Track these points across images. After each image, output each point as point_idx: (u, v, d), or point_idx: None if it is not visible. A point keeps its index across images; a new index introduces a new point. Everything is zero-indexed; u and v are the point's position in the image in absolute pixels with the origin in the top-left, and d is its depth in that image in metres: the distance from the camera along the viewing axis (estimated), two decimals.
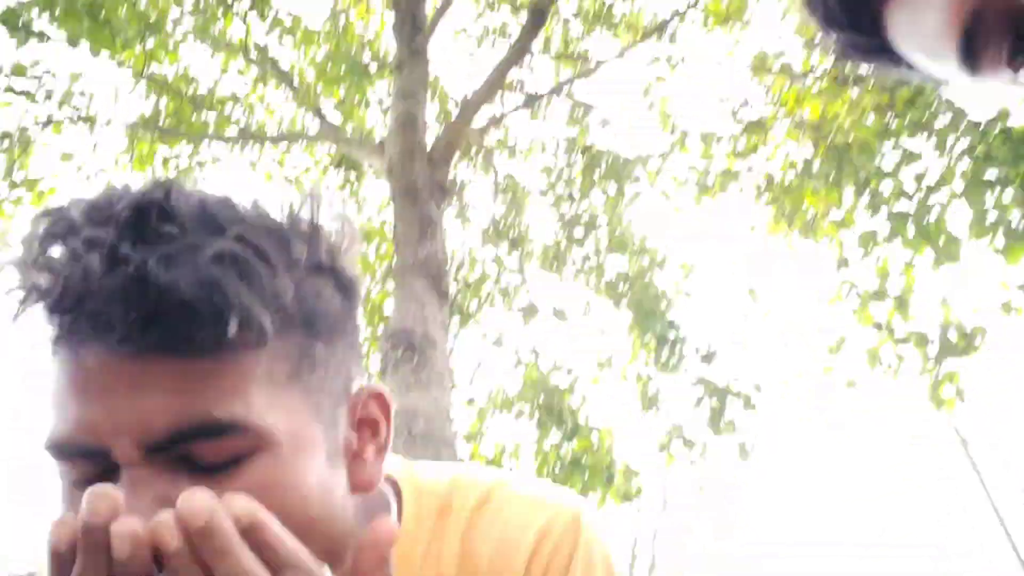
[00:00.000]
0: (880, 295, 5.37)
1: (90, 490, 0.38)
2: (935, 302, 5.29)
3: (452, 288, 6.09)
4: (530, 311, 6.96)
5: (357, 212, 6.98)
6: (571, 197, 6.96)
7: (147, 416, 0.44)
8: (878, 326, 5.42)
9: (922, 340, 5.31)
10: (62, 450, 0.46)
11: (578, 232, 6.95)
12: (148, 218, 0.44)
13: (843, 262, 5.65)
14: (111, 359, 0.44)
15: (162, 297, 0.42)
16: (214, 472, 0.45)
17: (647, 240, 6.82)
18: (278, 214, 0.51)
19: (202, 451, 0.45)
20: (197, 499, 0.37)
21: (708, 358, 6.47)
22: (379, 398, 0.58)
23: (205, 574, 0.38)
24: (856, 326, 5.56)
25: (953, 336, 5.19)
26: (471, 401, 6.79)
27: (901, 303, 5.35)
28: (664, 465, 6.63)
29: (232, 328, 0.43)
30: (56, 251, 0.45)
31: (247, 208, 0.49)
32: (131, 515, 0.39)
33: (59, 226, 0.46)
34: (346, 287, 0.55)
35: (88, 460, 0.46)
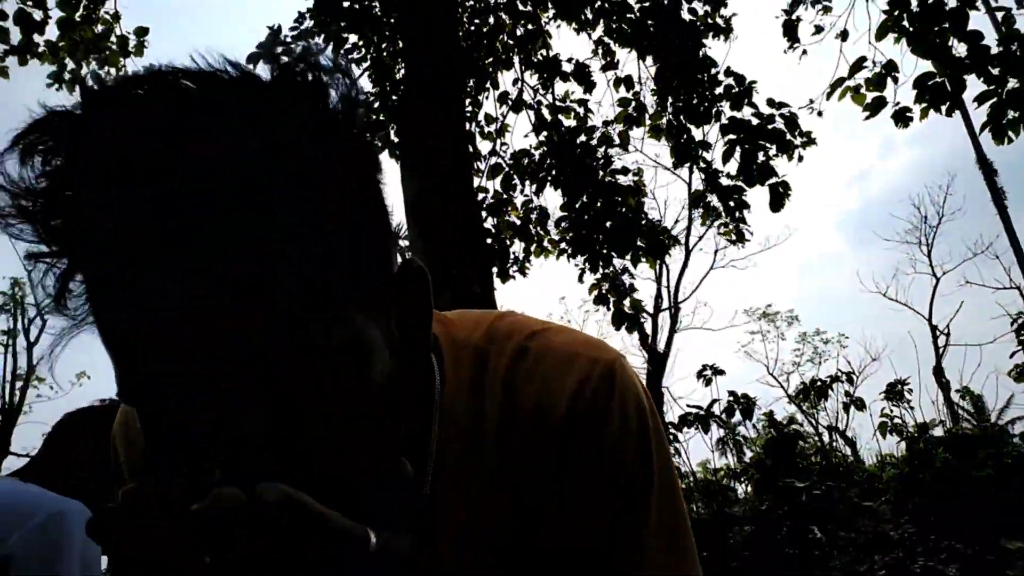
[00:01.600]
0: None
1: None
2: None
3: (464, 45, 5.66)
4: (550, 67, 6.52)
5: None
6: None
7: (221, 388, 0.44)
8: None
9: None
10: (136, 403, 0.47)
11: None
12: (196, 199, 0.41)
13: None
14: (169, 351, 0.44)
15: (220, 311, 0.42)
16: (299, 415, 0.47)
17: None
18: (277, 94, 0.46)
19: (282, 402, 0.46)
20: (226, 494, 0.39)
21: (739, 99, 5.95)
22: (416, 271, 0.58)
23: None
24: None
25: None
26: (496, 168, 6.63)
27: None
28: (699, 221, 6.51)
29: (303, 316, 0.45)
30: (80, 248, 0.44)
31: (248, 117, 0.44)
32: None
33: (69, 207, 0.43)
34: (371, 161, 0.53)
35: (170, 415, 0.47)
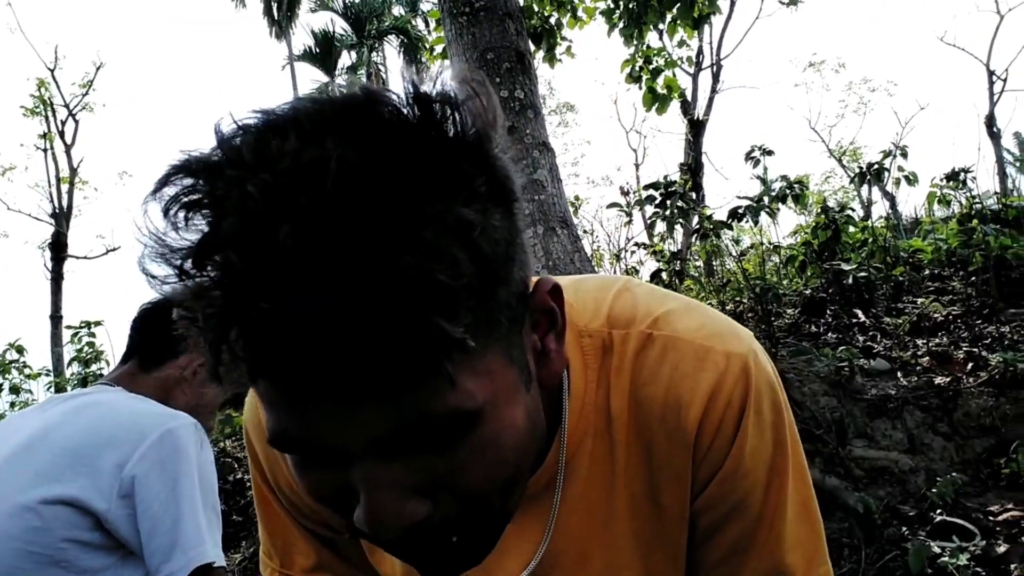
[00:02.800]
0: None
1: None
2: None
3: None
4: None
5: None
6: None
7: (364, 422, 0.45)
8: None
9: None
10: (287, 446, 0.49)
11: None
12: (340, 264, 0.39)
13: None
14: (320, 389, 0.43)
15: (364, 347, 0.41)
16: (436, 452, 0.48)
17: None
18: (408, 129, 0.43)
19: (421, 440, 0.47)
20: None
21: None
22: (553, 291, 0.57)
23: None
24: None
25: None
26: None
27: None
28: None
29: (441, 363, 0.43)
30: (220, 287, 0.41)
31: (383, 158, 0.41)
32: (372, 501, 0.46)
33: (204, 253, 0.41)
34: (507, 194, 0.49)
35: (314, 452, 0.48)
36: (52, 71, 13.03)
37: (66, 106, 13.24)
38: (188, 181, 0.42)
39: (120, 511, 1.21)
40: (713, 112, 13.06)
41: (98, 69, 13.56)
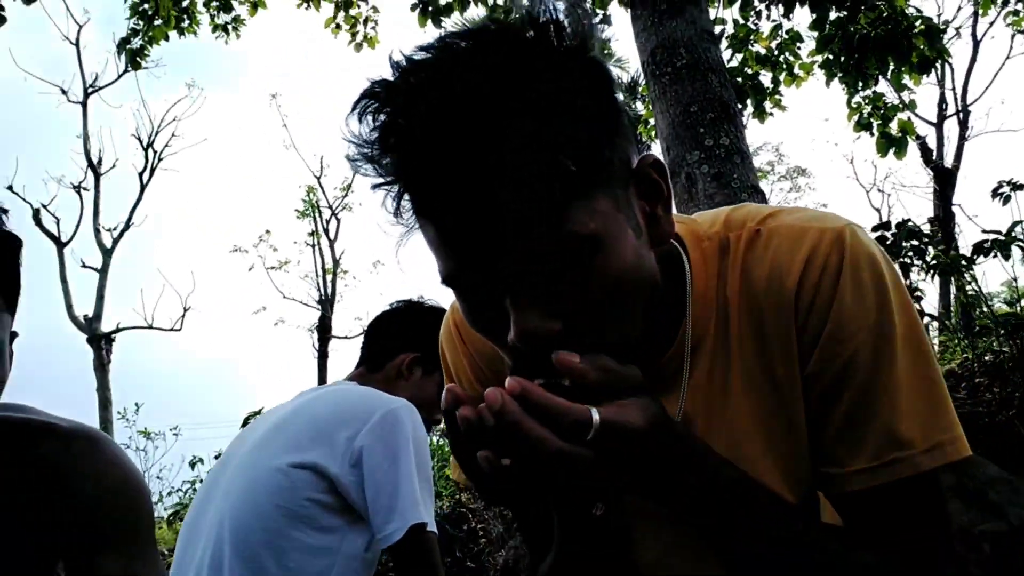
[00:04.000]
0: None
1: (445, 391, 0.60)
2: None
3: None
4: None
5: None
6: None
7: (504, 251, 0.59)
8: None
9: None
10: (453, 282, 0.65)
11: None
12: (473, 127, 0.56)
13: None
14: (467, 220, 0.59)
15: (497, 181, 0.56)
16: (564, 277, 0.61)
17: None
18: (520, 28, 0.60)
19: (551, 262, 0.60)
20: (490, 394, 0.55)
21: None
22: (654, 164, 0.69)
23: (515, 437, 0.56)
24: None
25: None
26: None
27: None
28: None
29: (556, 193, 0.58)
30: (396, 150, 0.60)
31: (505, 49, 0.59)
32: (518, 317, 0.61)
33: (390, 132, 0.59)
34: (605, 81, 0.63)
35: (472, 282, 0.64)
36: (319, 178, 15.36)
37: (330, 207, 15.62)
38: (372, 100, 0.61)
39: (350, 477, 1.45)
40: (963, 160, 11.95)
41: (355, 174, 15.55)
